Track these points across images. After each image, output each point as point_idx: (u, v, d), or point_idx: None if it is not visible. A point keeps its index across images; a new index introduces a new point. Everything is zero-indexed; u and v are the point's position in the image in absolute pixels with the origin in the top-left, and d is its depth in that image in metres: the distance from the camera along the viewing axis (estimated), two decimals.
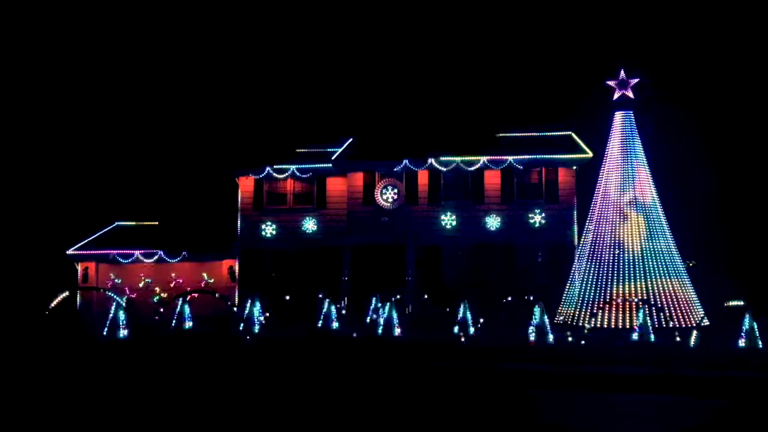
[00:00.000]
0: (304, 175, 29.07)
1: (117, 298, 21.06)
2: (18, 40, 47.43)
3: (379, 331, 20.90)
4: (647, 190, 23.40)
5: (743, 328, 18.58)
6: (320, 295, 24.78)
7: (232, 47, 53.27)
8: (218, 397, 13.06)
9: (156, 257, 28.61)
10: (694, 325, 21.18)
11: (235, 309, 22.76)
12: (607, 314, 22.01)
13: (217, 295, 24.11)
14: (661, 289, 22.10)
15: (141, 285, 28.91)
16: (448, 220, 27.94)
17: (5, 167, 41.09)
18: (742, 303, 19.21)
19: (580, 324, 21.74)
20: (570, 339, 19.18)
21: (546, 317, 19.87)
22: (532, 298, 22.79)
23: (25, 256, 35.74)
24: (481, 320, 19.90)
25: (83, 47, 49.31)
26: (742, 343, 18.44)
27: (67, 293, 20.15)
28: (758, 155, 35.63)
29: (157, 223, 31.07)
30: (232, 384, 14.60)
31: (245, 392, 13.80)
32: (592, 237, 23.62)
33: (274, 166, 28.88)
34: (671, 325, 20.54)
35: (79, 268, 29.28)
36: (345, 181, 28.79)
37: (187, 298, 23.51)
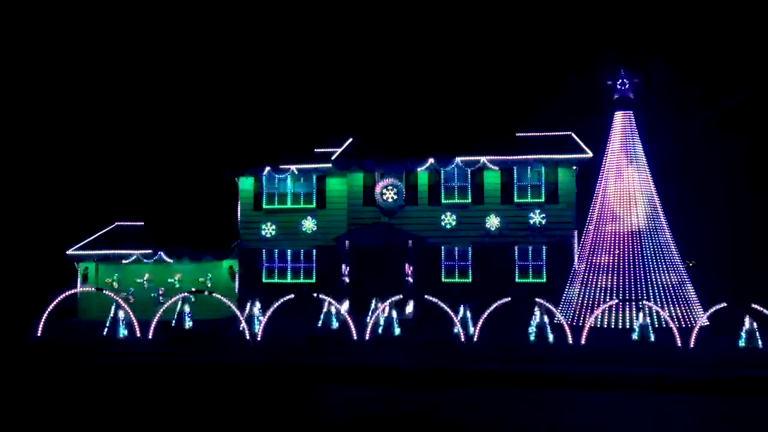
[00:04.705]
0: (304, 175, 29.09)
1: (117, 299, 21.05)
2: (18, 40, 47.40)
3: (380, 331, 20.90)
4: (647, 190, 23.43)
5: (743, 328, 18.63)
6: (320, 296, 24.76)
7: (232, 48, 53.26)
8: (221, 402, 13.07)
9: (156, 257, 28.61)
10: (694, 324, 21.18)
11: (236, 309, 22.73)
12: (607, 314, 22.03)
13: (215, 294, 24.07)
14: (660, 289, 22.13)
15: (141, 285, 28.90)
16: (448, 220, 27.95)
17: (5, 167, 41.08)
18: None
19: (581, 324, 21.75)
20: (570, 339, 19.18)
21: (546, 317, 19.88)
22: (532, 298, 22.79)
23: (25, 256, 35.74)
24: (481, 320, 19.90)
25: (83, 47, 49.29)
26: (742, 343, 18.49)
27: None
28: (758, 153, 35.64)
29: (157, 223, 31.04)
30: (235, 388, 14.60)
31: (249, 395, 13.81)
32: (592, 237, 23.64)
33: (274, 166, 28.88)
34: (671, 325, 20.54)
35: (79, 268, 29.27)
36: (345, 181, 28.81)
37: (188, 298, 23.51)
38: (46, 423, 11.08)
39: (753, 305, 18.69)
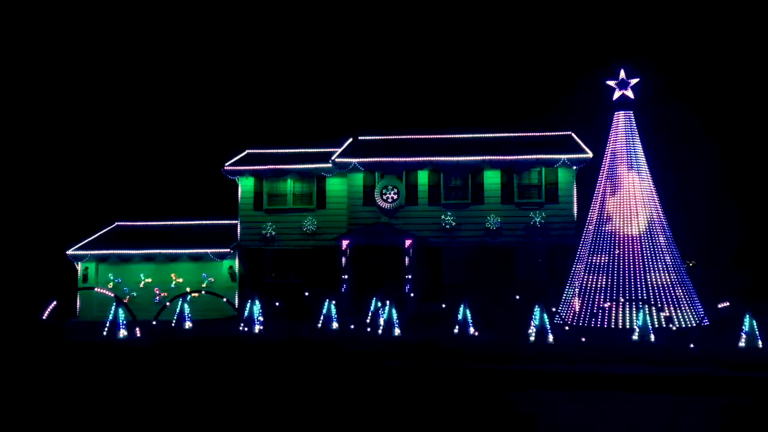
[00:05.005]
0: (304, 176, 29.10)
1: (116, 298, 21.05)
2: (18, 40, 47.42)
3: (380, 331, 20.92)
4: (647, 190, 23.42)
5: (743, 328, 18.63)
6: (320, 296, 24.76)
7: (233, 48, 53.26)
8: (223, 400, 13.06)
9: (156, 257, 28.61)
10: (694, 324, 21.19)
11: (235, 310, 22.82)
12: (607, 314, 22.03)
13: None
14: (661, 289, 22.12)
15: (141, 285, 28.91)
16: (448, 220, 27.95)
17: (5, 167, 41.09)
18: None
19: (580, 324, 21.74)
20: (570, 339, 19.20)
21: (546, 317, 19.88)
22: (531, 298, 22.80)
23: (25, 256, 35.75)
24: (481, 321, 19.92)
25: (83, 47, 49.30)
26: (742, 343, 18.49)
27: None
28: (758, 153, 35.65)
29: (157, 223, 31.07)
30: (239, 387, 14.59)
31: (251, 394, 13.80)
32: (592, 237, 23.63)
33: (274, 167, 28.90)
34: (671, 325, 20.55)
35: (79, 268, 29.28)
36: (345, 181, 28.81)
37: (188, 299, 23.53)
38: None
39: (751, 304, 18.70)
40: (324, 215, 29.06)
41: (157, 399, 13.09)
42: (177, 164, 42.16)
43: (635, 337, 19.74)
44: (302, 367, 16.17)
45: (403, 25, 53.81)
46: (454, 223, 27.91)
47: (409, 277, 26.91)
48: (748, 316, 18.61)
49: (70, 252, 28.96)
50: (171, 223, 31.02)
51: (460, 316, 20.94)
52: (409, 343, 19.65)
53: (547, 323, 19.78)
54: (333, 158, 28.10)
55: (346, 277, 27.21)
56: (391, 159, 28.04)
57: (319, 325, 22.77)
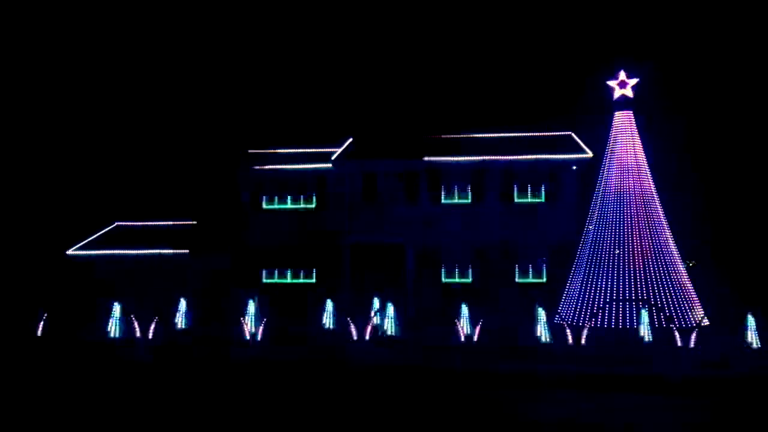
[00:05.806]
0: (304, 176, 29.05)
1: (119, 298, 21.08)
2: (18, 39, 47.45)
3: (379, 331, 20.90)
4: (647, 190, 23.41)
5: (744, 327, 18.63)
6: (320, 295, 24.77)
7: (235, 47, 53.29)
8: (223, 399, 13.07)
9: (156, 257, 28.58)
10: (694, 324, 21.17)
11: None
12: (607, 314, 22.02)
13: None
14: (660, 289, 22.10)
15: (142, 285, 28.88)
16: (448, 220, 27.90)
17: (6, 167, 41.10)
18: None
19: (580, 324, 21.73)
20: (570, 339, 19.18)
21: (546, 317, 19.86)
22: (532, 297, 22.80)
23: (25, 256, 35.72)
24: (481, 320, 19.90)
25: (84, 48, 49.32)
26: (745, 343, 18.49)
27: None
28: (757, 154, 35.64)
29: (156, 223, 31.06)
30: (238, 386, 14.61)
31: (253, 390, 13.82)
32: (592, 237, 23.61)
33: (275, 167, 28.88)
34: (671, 325, 20.53)
35: (80, 268, 29.24)
36: (345, 180, 28.76)
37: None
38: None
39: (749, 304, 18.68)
40: (324, 215, 28.91)
41: None
42: (177, 164, 42.11)
43: (636, 336, 19.72)
44: None
45: (403, 26, 53.85)
46: (454, 223, 27.88)
47: (409, 277, 26.90)
48: (750, 316, 18.61)
49: (70, 252, 28.96)
50: (170, 223, 31.03)
51: (459, 317, 20.93)
52: (408, 342, 19.64)
53: (547, 324, 19.77)
54: (333, 158, 28.11)
55: (347, 277, 27.18)
56: (391, 159, 28.02)
57: (320, 324, 22.76)
